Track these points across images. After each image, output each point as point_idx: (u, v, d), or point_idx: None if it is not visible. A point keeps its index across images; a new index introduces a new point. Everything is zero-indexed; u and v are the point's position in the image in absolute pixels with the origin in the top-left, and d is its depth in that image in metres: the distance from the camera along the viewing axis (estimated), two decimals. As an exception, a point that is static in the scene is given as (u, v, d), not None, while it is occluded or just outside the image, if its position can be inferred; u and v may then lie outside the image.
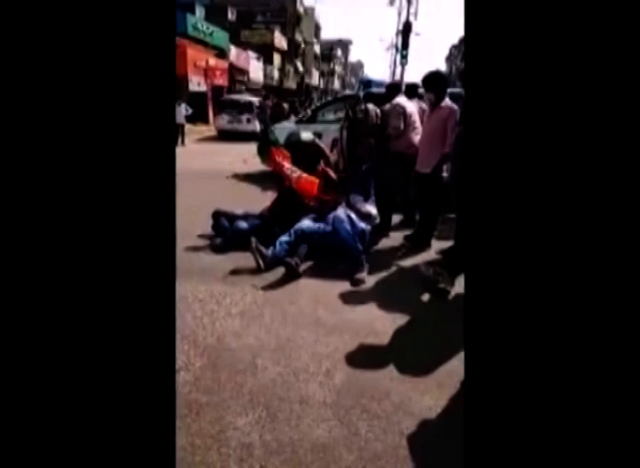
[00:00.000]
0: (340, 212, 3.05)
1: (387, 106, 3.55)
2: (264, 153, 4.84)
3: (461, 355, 1.93)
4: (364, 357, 1.94)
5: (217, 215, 3.49)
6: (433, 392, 1.71)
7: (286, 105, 13.07)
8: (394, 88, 3.95)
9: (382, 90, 4.83)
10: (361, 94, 4.10)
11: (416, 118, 3.60)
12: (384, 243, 3.60)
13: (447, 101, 3.09)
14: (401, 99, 3.61)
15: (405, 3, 16.50)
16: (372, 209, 3.12)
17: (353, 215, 3.01)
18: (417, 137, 3.51)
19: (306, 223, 3.12)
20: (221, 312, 2.32)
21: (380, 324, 2.27)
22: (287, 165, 3.69)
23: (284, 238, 2.96)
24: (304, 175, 3.65)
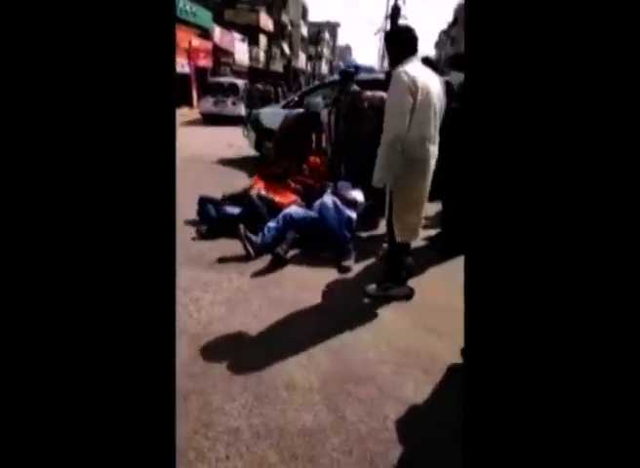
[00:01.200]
0: (327, 199, 3.04)
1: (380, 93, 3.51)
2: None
3: (444, 340, 1.98)
4: (350, 343, 1.97)
5: (202, 202, 3.44)
6: (417, 376, 1.75)
7: (273, 89, 12.90)
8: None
9: (369, 76, 4.78)
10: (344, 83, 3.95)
11: None
12: (372, 231, 3.61)
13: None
14: None
15: (394, -14, 16.24)
16: (358, 195, 3.12)
17: (339, 203, 3.01)
18: None
19: (294, 209, 3.11)
20: (207, 299, 2.31)
21: (365, 310, 2.30)
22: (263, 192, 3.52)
23: (272, 224, 2.95)
24: (278, 198, 3.52)
